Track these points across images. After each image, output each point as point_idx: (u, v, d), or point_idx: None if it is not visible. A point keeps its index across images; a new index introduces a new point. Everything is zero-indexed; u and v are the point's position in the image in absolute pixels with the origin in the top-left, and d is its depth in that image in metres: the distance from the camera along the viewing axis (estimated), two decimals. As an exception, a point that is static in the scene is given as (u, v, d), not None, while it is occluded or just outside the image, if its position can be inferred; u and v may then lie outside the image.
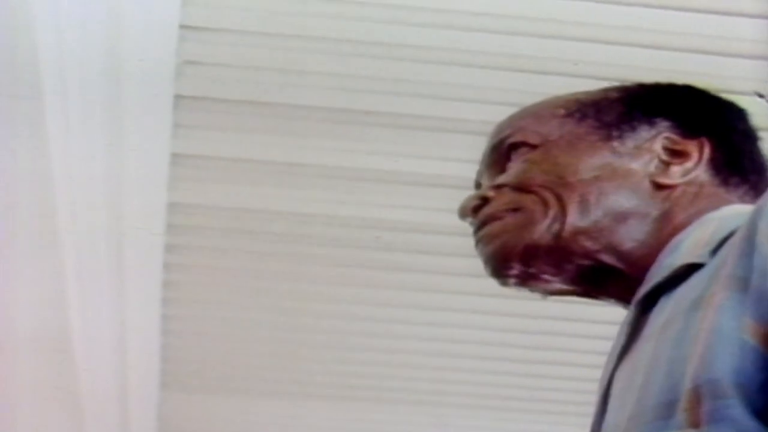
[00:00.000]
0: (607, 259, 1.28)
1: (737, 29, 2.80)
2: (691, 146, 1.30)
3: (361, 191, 3.43)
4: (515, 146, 1.35)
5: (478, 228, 1.35)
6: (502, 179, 1.35)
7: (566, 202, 1.28)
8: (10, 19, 2.66)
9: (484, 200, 1.35)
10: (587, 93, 1.38)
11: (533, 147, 1.33)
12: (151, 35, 2.83)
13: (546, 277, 1.30)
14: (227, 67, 3.02)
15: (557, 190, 1.29)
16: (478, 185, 1.41)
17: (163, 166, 3.27)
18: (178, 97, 3.05)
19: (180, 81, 3.00)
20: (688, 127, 1.32)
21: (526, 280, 1.32)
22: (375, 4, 2.82)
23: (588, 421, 1.23)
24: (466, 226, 3.74)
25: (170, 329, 4.12)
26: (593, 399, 1.23)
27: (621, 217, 1.27)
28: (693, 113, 1.34)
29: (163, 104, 3.04)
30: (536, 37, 2.86)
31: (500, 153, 1.37)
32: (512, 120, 1.39)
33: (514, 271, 1.31)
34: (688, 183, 1.29)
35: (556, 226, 1.28)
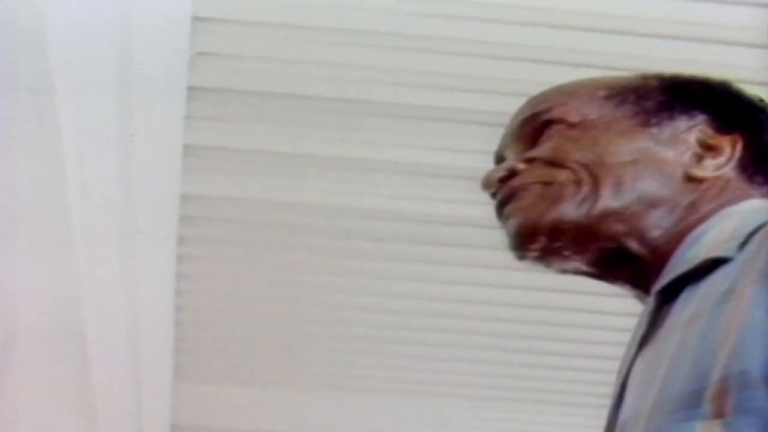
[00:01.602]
0: (632, 244, 1.28)
1: (740, 18, 2.80)
2: (725, 142, 1.30)
3: (376, 182, 3.42)
4: (550, 122, 1.34)
5: (505, 200, 1.34)
6: (534, 153, 1.34)
7: (601, 181, 1.28)
8: (21, 13, 2.66)
9: (512, 173, 1.34)
10: (626, 78, 1.38)
11: (571, 125, 1.33)
12: (163, 27, 2.83)
13: (567, 254, 1.30)
14: (240, 59, 3.02)
15: (593, 169, 1.28)
16: (500, 158, 1.40)
17: (176, 158, 3.27)
18: (191, 89, 3.05)
19: (192, 72, 2.99)
20: (722, 123, 1.32)
21: (546, 255, 1.31)
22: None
23: (600, 413, 1.23)
24: (481, 219, 3.72)
25: (183, 320, 4.12)
26: (607, 390, 1.23)
27: (651, 203, 1.27)
28: (728, 109, 1.34)
29: (175, 95, 3.04)
30: (542, 27, 2.87)
31: (533, 127, 1.36)
32: (548, 96, 1.38)
33: (538, 245, 1.30)
34: (718, 177, 1.29)
35: (587, 204, 1.28)
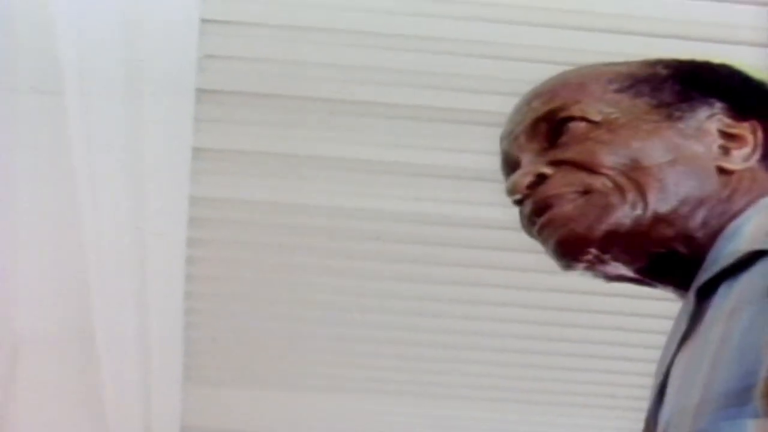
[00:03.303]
0: (680, 247, 1.24)
1: (738, 16, 2.80)
2: (745, 130, 1.28)
3: (385, 184, 3.42)
4: (568, 120, 1.29)
5: (539, 210, 1.28)
6: (562, 155, 1.28)
7: (644, 186, 1.24)
8: (31, 16, 2.67)
9: (541, 177, 1.28)
10: (630, 66, 1.34)
11: (595, 124, 1.28)
12: (171, 29, 2.83)
13: (616, 264, 1.26)
14: (248, 61, 3.02)
15: (631, 174, 1.24)
16: (513, 159, 1.33)
17: (185, 160, 3.27)
18: (200, 91, 3.05)
19: (201, 75, 3.00)
20: (738, 110, 1.29)
21: (595, 265, 1.26)
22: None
23: (633, 415, 1.21)
24: (485, 219, 3.68)
25: (193, 323, 4.12)
26: (638, 393, 1.21)
27: (696, 203, 1.24)
28: (743, 95, 1.31)
29: (184, 98, 3.04)
30: (542, 27, 2.87)
31: (550, 125, 1.30)
32: (557, 90, 1.33)
33: (589, 257, 1.25)
34: (746, 169, 1.26)
35: (637, 212, 1.23)
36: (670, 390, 1.14)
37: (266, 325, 4.19)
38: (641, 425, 1.20)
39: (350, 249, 3.73)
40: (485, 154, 3.20)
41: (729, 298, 1.12)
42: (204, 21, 2.85)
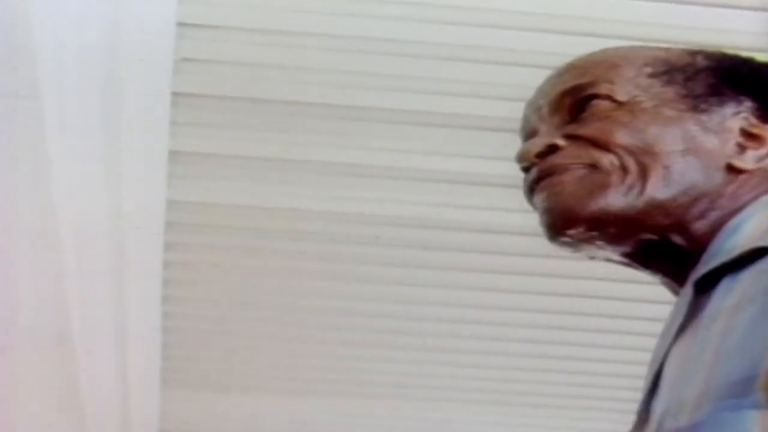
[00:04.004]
0: (674, 237, 1.24)
1: (738, 22, 2.80)
2: (766, 132, 1.27)
3: (359, 187, 3.43)
4: (594, 97, 1.28)
5: (543, 175, 1.27)
6: (579, 130, 1.28)
7: (648, 170, 1.23)
8: (8, 18, 2.67)
9: (553, 148, 1.27)
10: (671, 52, 1.33)
11: (618, 104, 1.27)
12: (148, 33, 2.83)
13: (602, 244, 1.25)
14: (225, 64, 3.02)
15: (640, 156, 1.24)
16: (532, 129, 1.32)
17: (162, 164, 3.27)
18: (176, 95, 3.05)
19: (177, 78, 3.00)
20: (766, 111, 1.28)
21: (580, 243, 1.26)
22: (374, 1, 2.82)
23: (621, 417, 1.20)
24: (473, 223, 3.69)
25: (170, 327, 4.12)
26: (627, 395, 1.20)
27: (697, 195, 1.24)
28: None
29: (160, 102, 3.04)
30: (546, 33, 2.86)
31: (575, 100, 1.30)
32: (590, 67, 1.32)
33: (575, 232, 1.25)
34: (757, 169, 1.26)
35: (633, 194, 1.23)
36: (666, 381, 1.14)
37: (243, 328, 4.20)
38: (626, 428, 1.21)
39: (328, 252, 3.74)
40: (477, 158, 3.24)
41: (732, 293, 1.12)
42: (180, 24, 2.85)
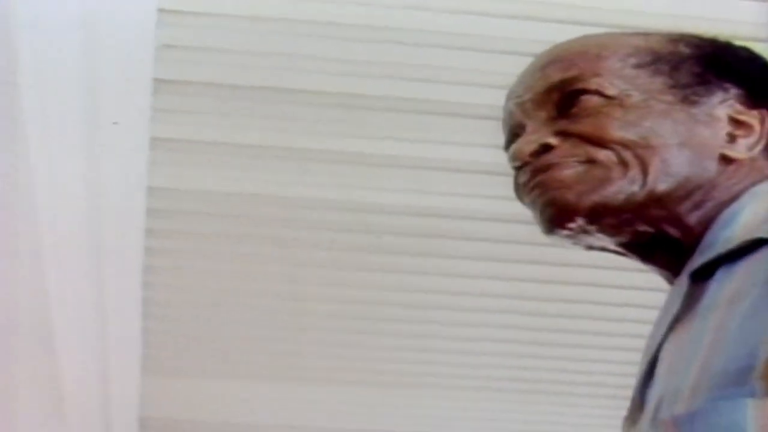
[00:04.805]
0: (670, 229, 1.25)
1: (738, 12, 2.80)
2: (753, 118, 1.27)
3: (341, 174, 3.42)
4: (583, 92, 1.28)
5: (538, 171, 1.26)
6: (571, 128, 1.27)
7: (649, 165, 1.23)
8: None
9: (546, 147, 1.27)
10: (652, 40, 1.32)
11: (608, 98, 1.26)
12: (128, 19, 2.82)
13: (600, 235, 1.26)
14: (206, 51, 3.01)
15: (638, 151, 1.24)
16: (518, 124, 1.31)
17: (143, 151, 3.26)
18: (157, 81, 3.04)
19: (158, 65, 2.99)
20: (752, 96, 1.28)
21: (578, 234, 1.26)
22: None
23: (617, 405, 1.20)
24: (457, 210, 3.69)
25: (151, 313, 4.11)
26: (622, 381, 1.20)
27: (692, 187, 1.24)
28: (759, 81, 1.30)
29: (141, 88, 3.03)
30: (543, 21, 2.85)
31: (562, 95, 1.29)
32: (574, 59, 1.30)
33: (574, 225, 1.25)
34: (748, 158, 1.26)
35: (633, 188, 1.23)
36: (661, 369, 1.15)
37: (224, 315, 4.19)
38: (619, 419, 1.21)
39: (310, 239, 3.74)
40: (462, 145, 3.23)
41: (729, 284, 1.13)
42: (161, 11, 2.84)
